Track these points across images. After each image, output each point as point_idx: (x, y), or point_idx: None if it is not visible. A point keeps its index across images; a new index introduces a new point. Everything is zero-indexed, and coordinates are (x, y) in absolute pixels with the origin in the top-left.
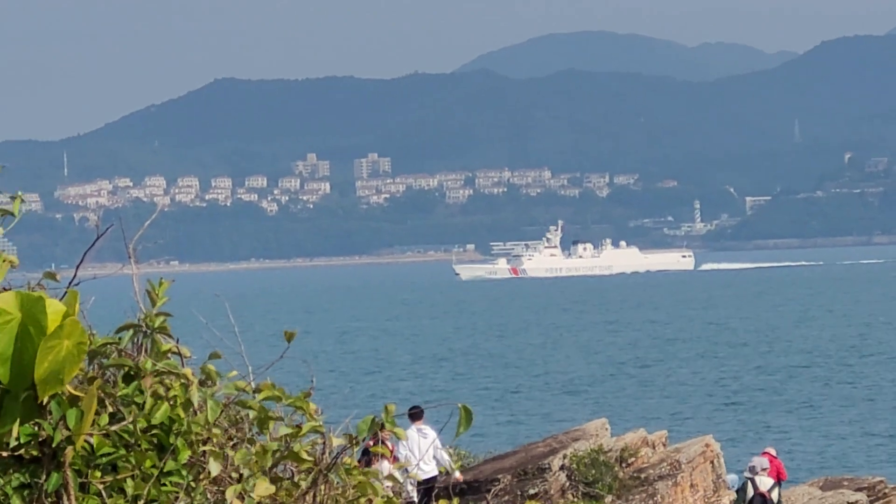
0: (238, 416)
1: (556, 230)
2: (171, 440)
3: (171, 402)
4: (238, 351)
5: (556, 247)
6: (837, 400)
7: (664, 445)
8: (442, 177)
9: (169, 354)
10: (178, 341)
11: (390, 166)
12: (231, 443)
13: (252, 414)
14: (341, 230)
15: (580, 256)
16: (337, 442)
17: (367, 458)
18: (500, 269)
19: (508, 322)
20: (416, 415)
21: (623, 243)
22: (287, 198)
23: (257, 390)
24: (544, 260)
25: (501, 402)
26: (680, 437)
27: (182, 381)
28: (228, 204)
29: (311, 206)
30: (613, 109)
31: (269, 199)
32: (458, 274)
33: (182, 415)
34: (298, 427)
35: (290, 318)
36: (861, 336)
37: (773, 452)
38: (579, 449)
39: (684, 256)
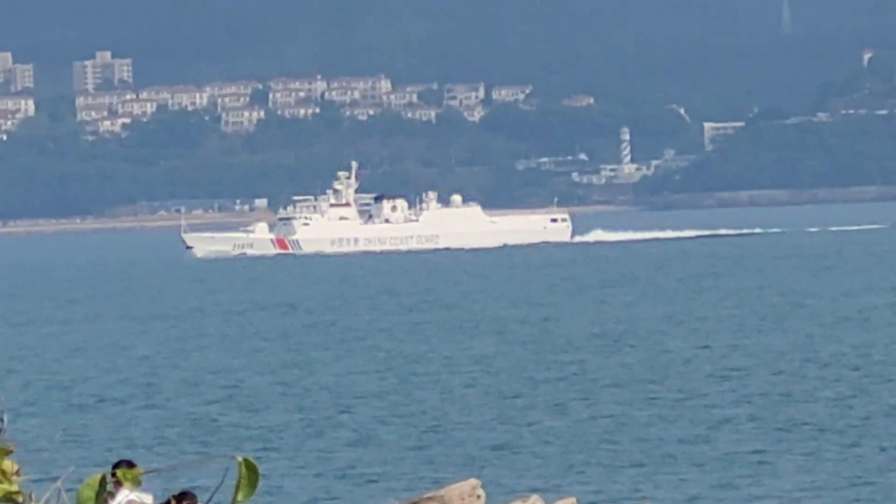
0: None
1: (349, 177)
2: None
3: None
4: None
5: (347, 204)
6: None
7: None
8: (216, 90)
9: None
10: None
11: (131, 73)
12: None
13: None
14: (52, 176)
15: (387, 220)
16: None
17: None
18: (259, 239)
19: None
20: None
21: (457, 199)
22: None
23: None
24: (329, 226)
25: (301, 449)
26: None
27: None
28: None
29: (4, 139)
30: None
31: None
32: (189, 247)
33: None
34: None
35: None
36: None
37: None
38: None
39: (555, 220)
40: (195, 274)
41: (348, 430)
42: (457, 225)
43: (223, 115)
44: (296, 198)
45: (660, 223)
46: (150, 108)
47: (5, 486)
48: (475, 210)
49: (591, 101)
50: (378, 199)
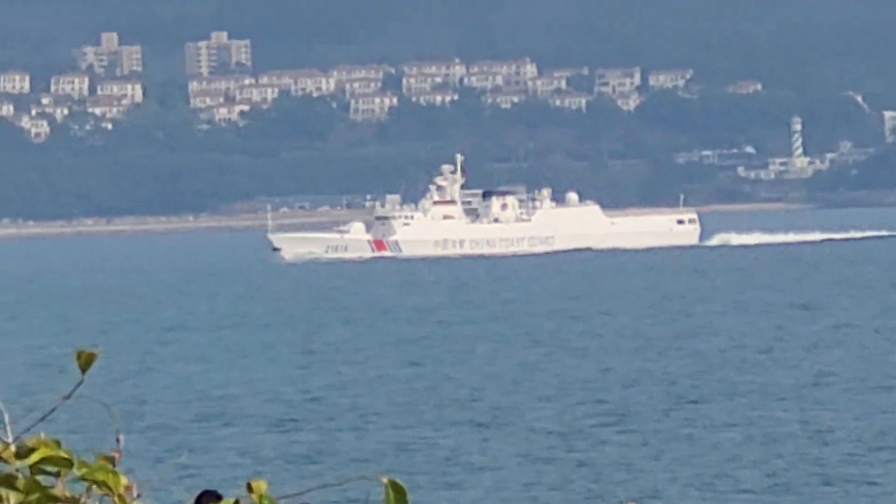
0: None
1: (455, 171)
2: None
3: None
4: None
5: (452, 202)
6: None
7: None
8: (343, 74)
9: None
10: None
11: (249, 55)
12: None
13: (15, 498)
14: (162, 169)
15: (496, 220)
16: None
17: None
18: (355, 241)
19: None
20: None
21: (573, 196)
22: (65, 111)
23: (23, 453)
24: (432, 225)
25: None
26: None
27: None
28: None
29: (109, 128)
30: None
31: (32, 113)
32: (277, 249)
33: None
34: None
35: (78, 325)
36: None
37: None
38: None
39: (682, 222)
40: (284, 277)
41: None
42: (573, 226)
43: (352, 101)
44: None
45: (831, 222)
46: (270, 94)
47: None
48: (593, 209)
49: (759, 87)
50: (486, 195)
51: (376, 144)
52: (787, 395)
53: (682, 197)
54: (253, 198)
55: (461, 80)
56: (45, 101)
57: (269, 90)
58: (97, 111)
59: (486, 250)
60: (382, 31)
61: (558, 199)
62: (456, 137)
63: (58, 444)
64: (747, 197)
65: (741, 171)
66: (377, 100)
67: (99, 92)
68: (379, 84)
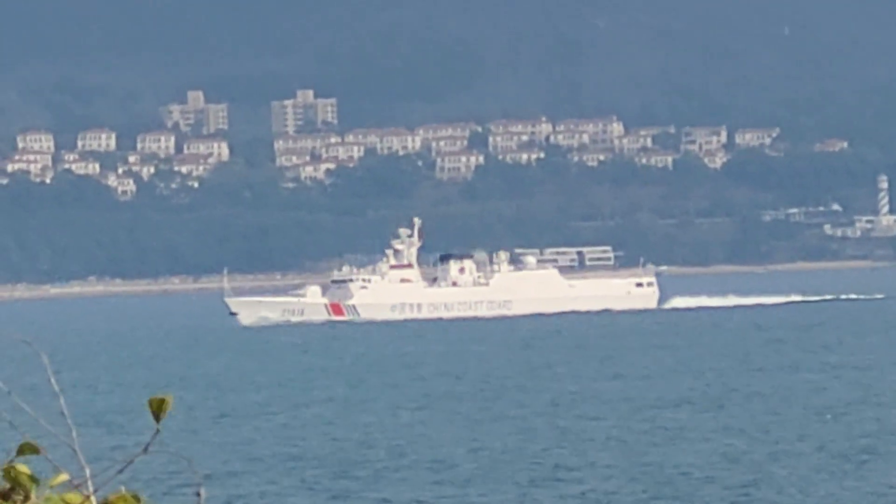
0: None
1: (411, 234)
2: None
3: None
4: (67, 440)
5: (409, 266)
6: None
7: None
8: (430, 132)
9: None
10: None
11: (335, 113)
12: None
13: None
14: (248, 227)
15: (454, 283)
16: None
17: None
18: (311, 304)
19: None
20: None
21: (531, 260)
22: (152, 170)
23: None
24: (389, 289)
25: None
26: None
27: None
28: (47, 180)
29: (195, 186)
30: (735, 12)
31: (119, 171)
32: (234, 313)
33: None
34: None
35: (158, 377)
36: None
37: None
38: None
39: (640, 284)
40: (237, 342)
41: None
42: (531, 290)
43: (438, 160)
44: (519, 250)
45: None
46: (356, 152)
47: None
48: (551, 273)
49: (845, 145)
50: (444, 259)
51: (462, 202)
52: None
53: (641, 259)
54: (341, 256)
55: (547, 138)
56: (131, 159)
57: (356, 148)
58: (183, 169)
59: (443, 314)
60: (469, 89)
61: (518, 262)
62: (542, 195)
63: (137, 499)
64: (833, 255)
65: (827, 228)
66: (463, 158)
67: (185, 150)
68: (465, 142)
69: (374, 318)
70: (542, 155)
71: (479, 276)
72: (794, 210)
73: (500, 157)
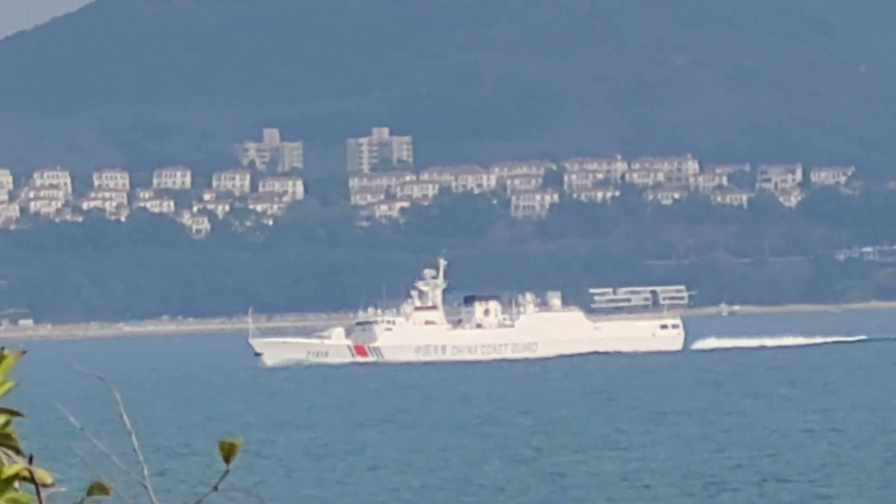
0: None
1: (437, 276)
2: None
3: None
4: (139, 477)
5: (434, 307)
6: None
7: None
8: (504, 170)
9: (16, 483)
10: (31, 460)
11: (411, 152)
12: None
13: None
14: (323, 266)
15: (478, 325)
16: None
17: None
18: (335, 346)
19: None
20: None
21: (556, 301)
22: (226, 207)
23: None
24: (413, 331)
25: None
26: None
27: None
28: (123, 218)
29: (270, 223)
30: (810, 50)
31: (193, 209)
32: (258, 354)
33: None
34: None
35: (234, 419)
36: None
37: None
38: None
39: (665, 327)
40: (261, 384)
41: None
42: (556, 331)
43: (512, 198)
44: (593, 290)
45: None
46: (431, 190)
47: None
48: (577, 315)
49: None
50: (468, 300)
51: (536, 241)
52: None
53: (665, 305)
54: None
55: (622, 177)
56: (206, 197)
57: (430, 186)
58: (258, 207)
59: (468, 356)
60: (543, 127)
61: (543, 303)
62: (617, 234)
63: None
64: None
65: None
66: (538, 196)
67: (260, 188)
68: (540, 180)
69: (398, 359)
70: (616, 193)
71: (504, 318)
72: (869, 249)
73: (575, 195)
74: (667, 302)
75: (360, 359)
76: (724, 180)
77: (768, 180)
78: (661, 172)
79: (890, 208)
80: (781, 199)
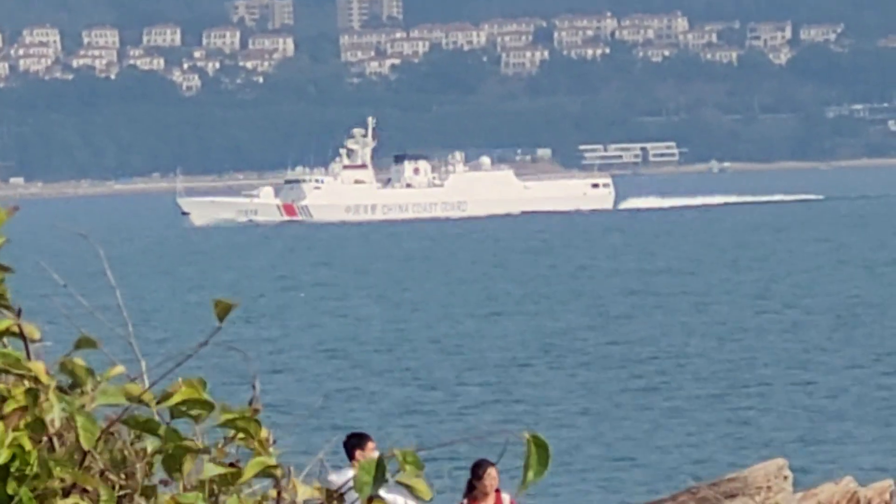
0: (127, 448)
1: (366, 134)
2: (10, 489)
3: (9, 422)
4: (124, 334)
5: (363, 166)
6: None
7: None
8: (495, 28)
9: (5, 339)
10: (20, 314)
11: (401, 8)
12: (116, 496)
13: (152, 443)
14: (313, 122)
15: (408, 184)
16: (305, 493)
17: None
18: (264, 205)
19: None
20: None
21: (486, 161)
22: (217, 65)
23: (164, 398)
24: (342, 190)
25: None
26: None
27: (29, 384)
28: (112, 76)
29: (260, 81)
30: None
31: (183, 66)
32: (186, 213)
33: (28, 445)
34: (237, 468)
35: (219, 276)
36: None
37: None
38: None
39: (596, 185)
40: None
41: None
42: (486, 191)
43: (503, 55)
44: (582, 147)
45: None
46: (421, 47)
47: (263, 459)
48: (506, 174)
49: None
50: (398, 159)
51: (527, 98)
52: None
53: (596, 165)
54: (403, 151)
55: (612, 34)
56: (196, 54)
57: (421, 44)
58: (248, 65)
59: (397, 216)
60: None
61: (473, 163)
62: (606, 91)
63: (203, 384)
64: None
65: (892, 125)
66: (528, 53)
67: (250, 46)
68: (530, 37)
69: (327, 219)
70: (606, 50)
71: (434, 178)
72: (859, 106)
73: (565, 52)
74: (655, 159)
75: (288, 218)
76: (714, 37)
77: (758, 38)
78: (650, 29)
79: (880, 65)
80: (771, 56)
